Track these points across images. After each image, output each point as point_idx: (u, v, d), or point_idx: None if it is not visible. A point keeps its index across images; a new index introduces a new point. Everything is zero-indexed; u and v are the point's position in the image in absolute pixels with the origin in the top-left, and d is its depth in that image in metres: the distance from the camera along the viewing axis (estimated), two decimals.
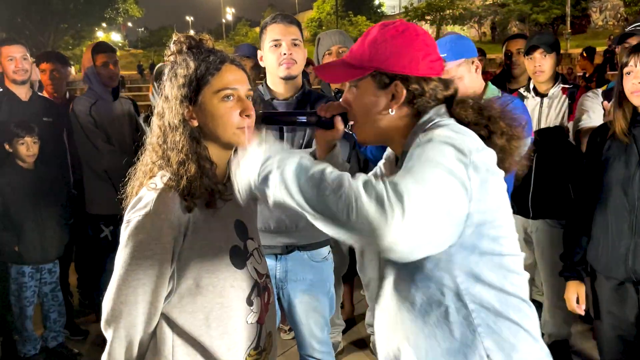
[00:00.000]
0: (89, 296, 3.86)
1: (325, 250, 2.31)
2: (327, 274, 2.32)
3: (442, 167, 1.02)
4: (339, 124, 1.35)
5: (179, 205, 1.26)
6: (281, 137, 2.16)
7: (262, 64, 2.22)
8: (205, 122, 1.31)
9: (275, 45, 2.11)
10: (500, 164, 1.18)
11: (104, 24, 32.25)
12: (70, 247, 3.60)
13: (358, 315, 3.75)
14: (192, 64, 1.29)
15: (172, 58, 1.34)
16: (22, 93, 3.35)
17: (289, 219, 2.14)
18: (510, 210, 1.21)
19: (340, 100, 1.33)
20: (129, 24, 63.59)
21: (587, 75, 7.85)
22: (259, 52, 2.23)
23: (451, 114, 1.22)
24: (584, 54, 7.76)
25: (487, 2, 36.14)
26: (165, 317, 1.31)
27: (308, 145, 2.15)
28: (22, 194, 3.01)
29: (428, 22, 38.23)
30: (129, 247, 1.24)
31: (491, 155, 1.14)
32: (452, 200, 1.01)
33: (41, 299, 3.20)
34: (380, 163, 1.47)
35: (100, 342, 3.41)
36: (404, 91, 1.21)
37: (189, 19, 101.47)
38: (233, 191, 1.39)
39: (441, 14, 36.57)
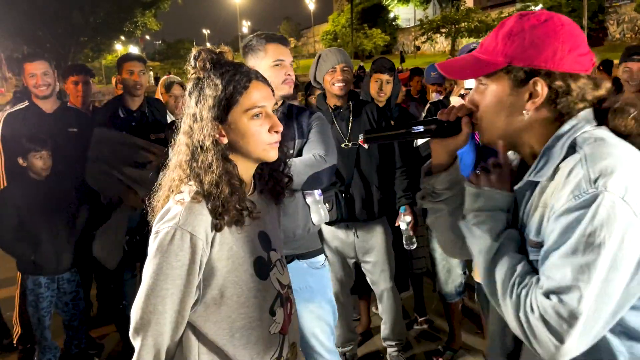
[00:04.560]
0: (108, 306, 3.90)
1: (322, 257, 2.37)
2: (327, 280, 2.38)
3: (609, 262, 0.93)
4: (466, 126, 1.19)
5: (207, 218, 1.29)
6: None
7: None
8: (236, 140, 1.34)
9: (279, 65, 2.18)
10: None
11: (122, 37, 32.72)
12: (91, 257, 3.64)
13: (374, 328, 3.74)
14: (220, 84, 1.31)
15: (195, 74, 1.36)
16: (47, 106, 3.40)
17: (287, 229, 2.18)
18: None
19: (466, 100, 1.19)
20: (147, 37, 64.49)
21: None
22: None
23: (604, 122, 1.07)
24: (601, 67, 7.71)
25: (503, 15, 36.06)
26: (191, 325, 1.34)
27: (298, 155, 2.21)
28: (36, 206, 3.05)
29: (443, 34, 38.22)
30: (158, 257, 1.27)
31: None
32: (619, 289, 0.95)
33: (61, 308, 3.23)
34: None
35: (116, 355, 3.44)
36: (545, 89, 1.05)
37: (206, 32, 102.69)
38: (259, 205, 1.42)
39: (456, 26, 36.56)
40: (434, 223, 1.35)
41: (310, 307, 2.26)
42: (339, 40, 46.27)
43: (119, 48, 38.58)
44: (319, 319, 2.29)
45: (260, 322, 1.38)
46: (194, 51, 1.37)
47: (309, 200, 2.28)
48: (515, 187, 1.13)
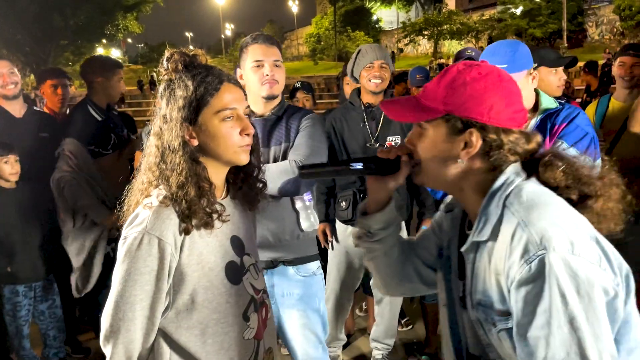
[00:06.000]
0: (88, 312, 3.84)
1: (314, 265, 2.30)
2: (316, 289, 2.29)
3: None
4: (405, 165, 1.19)
5: (175, 222, 1.27)
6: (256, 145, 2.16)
7: (241, 82, 2.24)
8: (206, 142, 1.32)
9: (258, 66, 2.14)
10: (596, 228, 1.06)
11: (104, 40, 32.46)
12: (69, 263, 3.58)
13: (358, 330, 3.73)
14: (190, 85, 1.30)
15: (167, 76, 1.34)
16: (16, 109, 3.28)
17: (272, 234, 2.14)
18: None
19: (405, 140, 1.22)
20: (129, 40, 63.95)
21: (592, 90, 7.87)
22: (238, 70, 2.26)
23: (534, 174, 1.10)
24: (586, 69, 7.81)
25: (484, 17, 36.41)
26: (163, 332, 1.32)
27: (284, 157, 2.16)
28: (7, 214, 2.97)
29: (425, 37, 38.49)
30: (126, 263, 1.25)
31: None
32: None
33: (38, 317, 3.17)
34: (441, 214, 1.34)
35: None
36: (480, 141, 1.09)
37: (189, 34, 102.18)
38: (231, 209, 1.40)
39: (438, 29, 36.85)
40: (370, 263, 1.36)
41: (294, 314, 2.21)
42: (322, 43, 46.37)
43: (101, 51, 38.21)
44: (302, 327, 2.23)
45: (233, 327, 1.36)
46: (166, 53, 1.36)
47: (298, 205, 2.22)
48: (462, 249, 1.14)
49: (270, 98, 2.19)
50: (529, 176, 1.10)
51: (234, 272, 1.38)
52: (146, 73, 38.39)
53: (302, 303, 2.23)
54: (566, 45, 24.93)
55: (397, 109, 1.21)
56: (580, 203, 1.07)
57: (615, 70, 3.38)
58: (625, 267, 1.03)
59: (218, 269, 1.34)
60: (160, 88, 1.36)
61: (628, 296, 1.02)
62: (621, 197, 1.11)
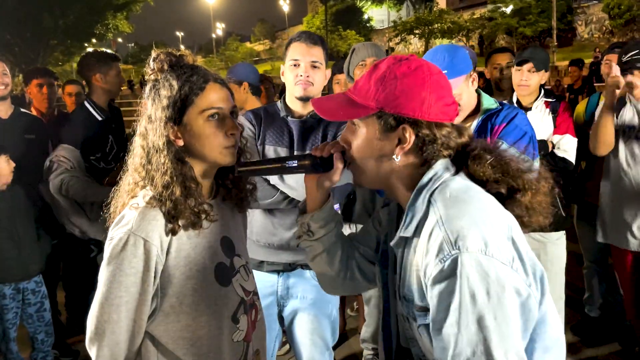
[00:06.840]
0: (77, 315, 3.80)
1: None
2: (331, 296, 2.25)
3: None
4: (339, 163, 1.19)
5: (162, 223, 1.26)
6: (291, 147, 2.13)
7: (282, 79, 2.23)
8: (191, 142, 1.31)
9: (294, 65, 2.10)
10: (523, 223, 1.10)
11: (93, 40, 32.21)
12: (57, 265, 3.54)
13: (349, 330, 3.72)
14: (175, 84, 1.28)
15: (153, 76, 1.33)
16: (2, 111, 3.25)
17: (293, 238, 2.11)
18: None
19: (339, 138, 1.20)
20: (119, 40, 63.59)
21: (574, 88, 7.97)
22: (281, 66, 2.23)
23: (463, 168, 1.11)
24: (580, 64, 7.94)
25: (475, 16, 36.49)
26: (150, 335, 1.30)
27: None
28: None
29: (416, 36, 38.56)
30: (112, 264, 1.23)
31: (516, 226, 1.06)
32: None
33: (26, 320, 3.13)
34: (382, 210, 1.34)
35: None
36: (413, 137, 1.09)
37: (180, 34, 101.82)
38: (219, 209, 1.39)
39: (429, 27, 36.90)
40: (313, 263, 1.35)
41: (305, 318, 2.18)
42: None
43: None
44: (312, 332, 2.20)
45: (222, 330, 1.34)
46: (153, 53, 1.36)
47: None
48: (391, 244, 1.15)
49: (303, 99, 2.13)
50: (458, 170, 1.11)
51: (224, 274, 1.36)
52: (134, 73, 38.19)
53: (314, 308, 2.20)
54: (556, 43, 25.06)
55: (329, 108, 1.18)
56: (509, 197, 1.09)
57: (603, 68, 3.43)
58: (540, 268, 1.04)
59: (207, 270, 1.32)
60: (147, 88, 1.35)
61: (543, 296, 1.04)
62: (549, 190, 1.13)
